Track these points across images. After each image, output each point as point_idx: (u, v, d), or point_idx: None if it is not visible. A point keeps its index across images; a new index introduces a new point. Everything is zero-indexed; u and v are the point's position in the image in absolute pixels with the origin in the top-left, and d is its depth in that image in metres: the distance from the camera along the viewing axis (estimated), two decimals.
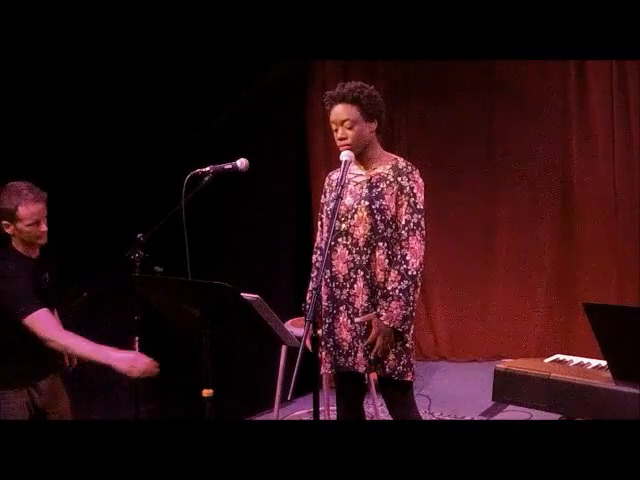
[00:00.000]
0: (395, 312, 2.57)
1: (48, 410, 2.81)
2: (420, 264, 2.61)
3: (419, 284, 2.61)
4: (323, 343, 2.71)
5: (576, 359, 2.37)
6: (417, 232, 2.60)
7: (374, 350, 2.60)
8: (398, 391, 2.69)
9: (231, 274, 2.45)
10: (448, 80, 5.26)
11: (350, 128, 2.62)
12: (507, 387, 2.24)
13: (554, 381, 2.14)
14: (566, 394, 2.11)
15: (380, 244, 2.62)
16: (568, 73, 4.98)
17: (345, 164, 2.51)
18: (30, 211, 2.62)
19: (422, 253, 2.61)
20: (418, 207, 2.62)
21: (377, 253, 2.63)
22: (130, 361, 2.52)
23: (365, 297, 2.63)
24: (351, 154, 2.56)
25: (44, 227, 2.69)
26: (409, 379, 2.66)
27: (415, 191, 2.63)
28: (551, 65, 4.99)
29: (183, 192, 2.63)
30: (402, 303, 2.56)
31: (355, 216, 2.65)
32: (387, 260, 2.62)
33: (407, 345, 2.65)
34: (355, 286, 2.64)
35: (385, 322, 2.57)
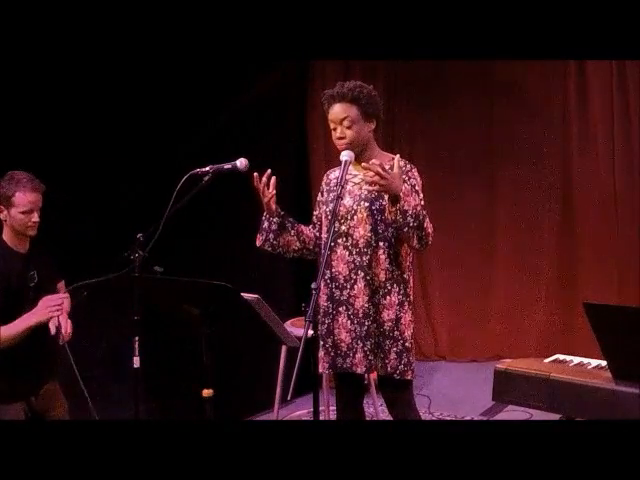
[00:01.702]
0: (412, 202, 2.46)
1: (45, 413, 2.81)
2: (431, 240, 2.55)
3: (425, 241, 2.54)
4: (322, 343, 2.71)
5: (576, 359, 2.36)
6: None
7: (380, 169, 2.39)
8: (398, 390, 2.69)
9: (231, 274, 2.45)
10: (448, 80, 5.26)
11: (349, 127, 2.62)
12: (507, 387, 2.24)
13: (554, 381, 2.14)
14: (566, 394, 2.11)
15: (381, 244, 2.62)
16: (568, 73, 4.98)
17: (345, 164, 2.51)
18: (27, 199, 2.67)
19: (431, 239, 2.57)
20: (422, 204, 2.62)
21: (378, 253, 2.62)
22: (39, 308, 2.61)
23: (366, 298, 2.62)
24: (351, 154, 2.55)
25: (36, 217, 2.72)
26: (409, 378, 2.67)
27: (417, 188, 2.63)
28: (551, 65, 4.99)
29: (176, 190, 2.63)
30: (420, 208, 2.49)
31: (355, 217, 2.64)
32: (388, 260, 2.62)
33: (407, 344, 2.65)
34: (355, 287, 2.64)
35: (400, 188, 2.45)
